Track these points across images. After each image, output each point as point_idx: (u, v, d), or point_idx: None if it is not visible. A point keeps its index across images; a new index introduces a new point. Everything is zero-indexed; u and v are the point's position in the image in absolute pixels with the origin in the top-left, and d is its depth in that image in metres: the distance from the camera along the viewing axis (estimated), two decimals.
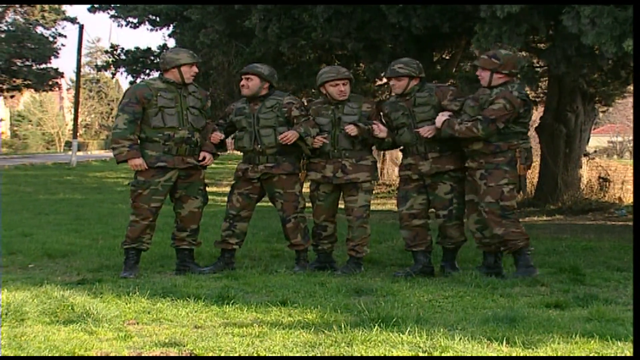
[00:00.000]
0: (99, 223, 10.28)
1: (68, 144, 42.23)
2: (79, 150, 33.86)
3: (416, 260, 6.45)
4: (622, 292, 5.63)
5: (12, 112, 58.74)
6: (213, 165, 8.05)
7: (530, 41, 9.77)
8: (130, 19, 19.83)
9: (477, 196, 6.22)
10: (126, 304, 5.05)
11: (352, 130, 6.43)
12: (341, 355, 3.89)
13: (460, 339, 4.09)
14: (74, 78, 33.72)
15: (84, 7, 20.15)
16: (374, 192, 7.02)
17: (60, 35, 35.35)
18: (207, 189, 6.69)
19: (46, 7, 34.14)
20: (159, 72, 6.63)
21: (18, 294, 5.14)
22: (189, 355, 3.97)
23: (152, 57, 20.00)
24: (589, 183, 14.28)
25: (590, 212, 12.89)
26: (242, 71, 6.76)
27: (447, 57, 16.71)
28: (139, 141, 6.31)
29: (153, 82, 6.46)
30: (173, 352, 4.00)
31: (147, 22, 19.83)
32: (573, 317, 4.67)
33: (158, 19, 19.33)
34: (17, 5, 33.73)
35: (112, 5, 19.64)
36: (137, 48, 21.03)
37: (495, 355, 3.92)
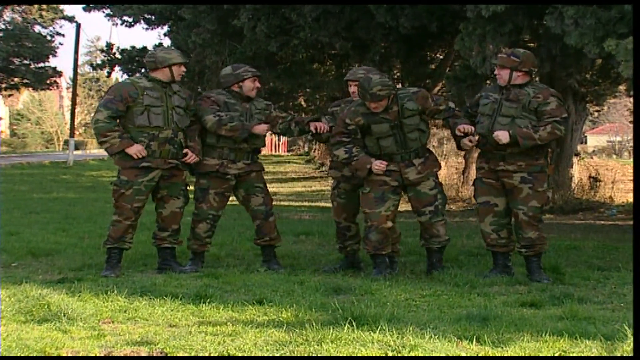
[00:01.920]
0: (87, 222, 10.29)
1: (67, 143, 42.21)
2: (77, 149, 33.91)
3: (379, 263, 6.27)
4: (600, 291, 5.65)
5: (11, 110, 58.77)
6: None
7: (518, 40, 9.77)
8: (126, 18, 19.82)
9: (514, 199, 6.03)
10: (103, 302, 5.05)
11: (318, 127, 6.56)
12: (309, 354, 3.91)
13: (431, 337, 4.10)
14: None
15: (81, 6, 20.09)
16: None
17: (58, 34, 35.57)
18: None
19: (44, 5, 34.18)
20: (143, 70, 6.64)
21: None
22: (159, 353, 3.98)
23: None
24: (580, 182, 14.29)
25: (580, 211, 12.92)
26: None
27: (441, 57, 16.74)
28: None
29: (138, 81, 6.41)
30: (144, 350, 4.01)
31: (142, 21, 19.83)
32: (546, 316, 4.68)
33: (153, 18, 19.34)
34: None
35: (107, 4, 19.62)
36: (133, 47, 21.01)
37: (464, 354, 3.92)
